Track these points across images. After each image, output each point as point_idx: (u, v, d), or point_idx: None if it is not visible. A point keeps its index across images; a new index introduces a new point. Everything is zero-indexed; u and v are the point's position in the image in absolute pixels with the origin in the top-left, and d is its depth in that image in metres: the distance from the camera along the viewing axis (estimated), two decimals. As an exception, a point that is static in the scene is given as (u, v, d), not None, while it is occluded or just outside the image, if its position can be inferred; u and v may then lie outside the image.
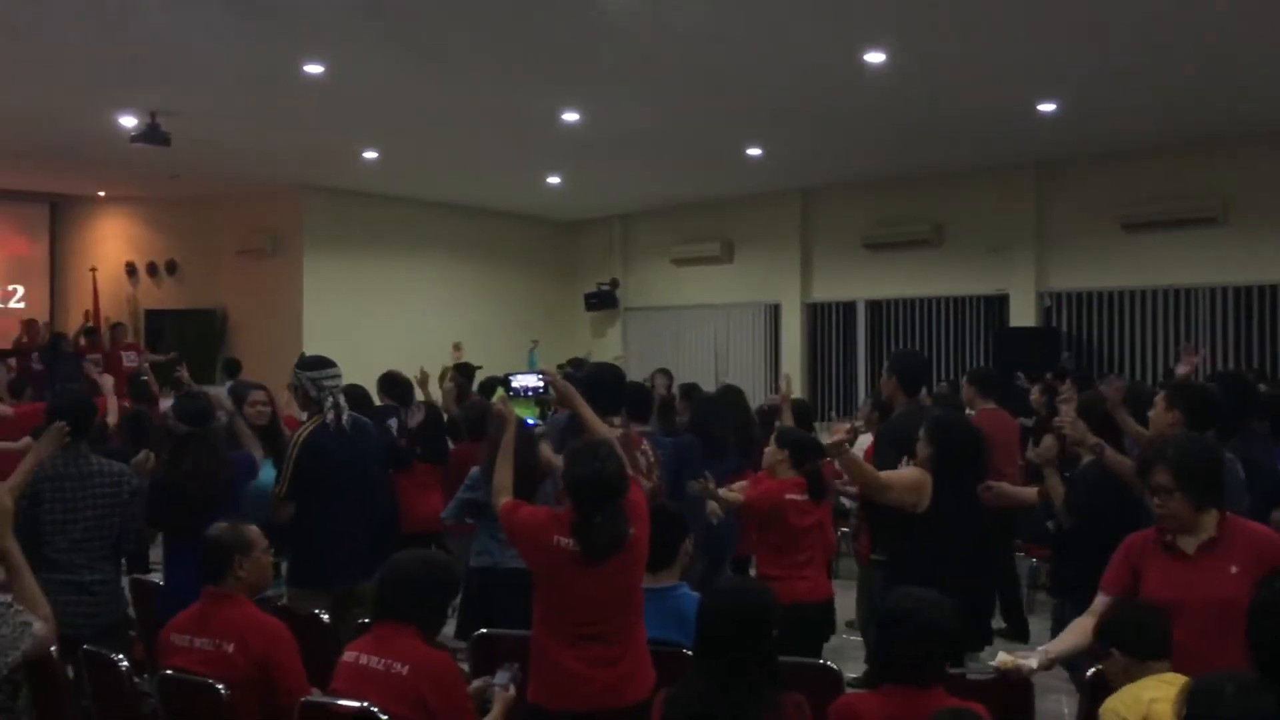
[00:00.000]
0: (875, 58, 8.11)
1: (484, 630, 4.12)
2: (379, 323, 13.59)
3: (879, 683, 3.00)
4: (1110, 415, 4.93)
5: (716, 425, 6.49)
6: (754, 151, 11.58)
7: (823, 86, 8.98)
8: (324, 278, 13.80)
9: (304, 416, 5.63)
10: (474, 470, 5.53)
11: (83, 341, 12.90)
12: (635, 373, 12.48)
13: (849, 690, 3.59)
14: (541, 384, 4.21)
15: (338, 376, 5.13)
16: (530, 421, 4.93)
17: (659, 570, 3.91)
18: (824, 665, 3.83)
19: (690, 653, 3.56)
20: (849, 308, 14.06)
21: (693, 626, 3.52)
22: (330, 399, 5.01)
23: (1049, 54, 8.09)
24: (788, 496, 5.15)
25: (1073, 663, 4.32)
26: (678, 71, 8.55)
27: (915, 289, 13.29)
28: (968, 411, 7.04)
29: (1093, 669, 3.65)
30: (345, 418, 5.03)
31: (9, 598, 2.27)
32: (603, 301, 16.08)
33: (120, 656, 3.76)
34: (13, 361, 11.66)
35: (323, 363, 5.15)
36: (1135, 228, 11.44)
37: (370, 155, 11.75)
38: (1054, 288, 12.26)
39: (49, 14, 7.21)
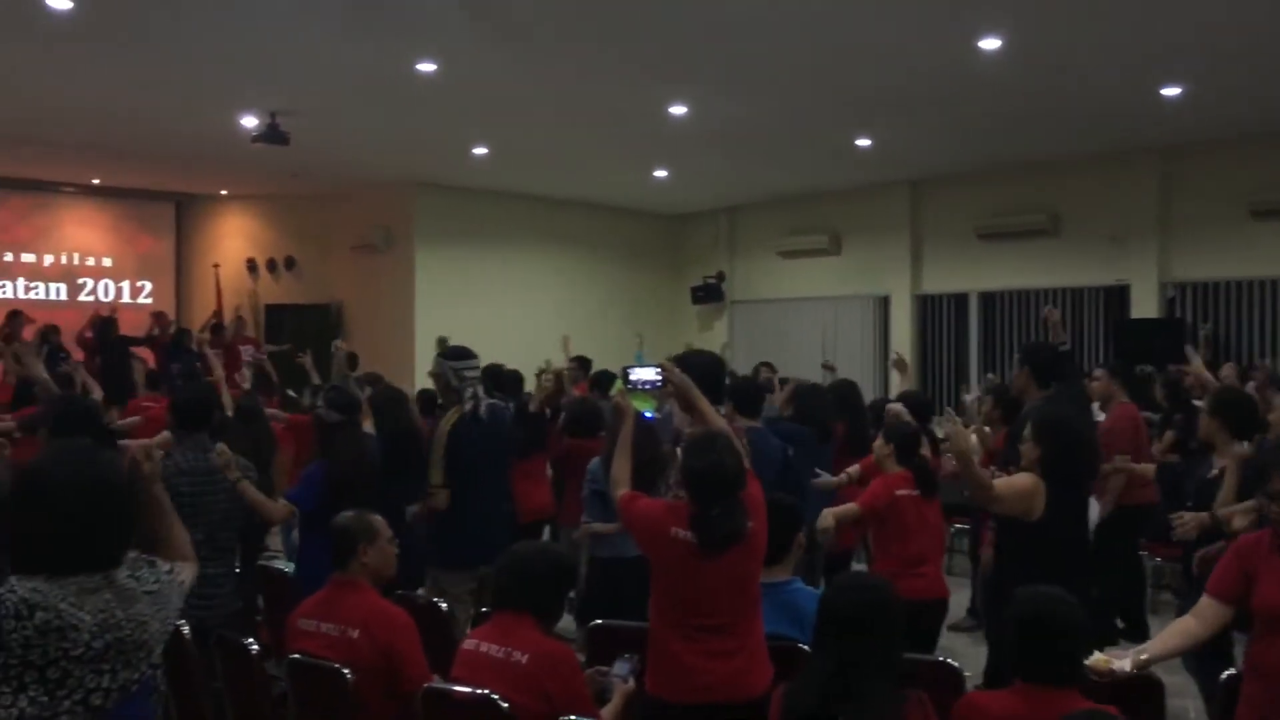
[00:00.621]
0: (991, 44, 7.92)
1: (600, 621, 4.15)
2: (488, 316, 13.78)
3: (1011, 681, 2.93)
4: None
5: (821, 415, 6.43)
6: (863, 142, 11.42)
7: (935, 74, 8.80)
8: (435, 272, 14.05)
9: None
10: (593, 462, 5.56)
11: (207, 336, 13.37)
12: (742, 366, 12.47)
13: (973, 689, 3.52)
14: (659, 378, 4.20)
15: (477, 368, 5.38)
16: (648, 415, 4.97)
17: (772, 564, 3.88)
18: (944, 662, 3.76)
19: (806, 648, 3.54)
20: (961, 300, 13.79)
21: (807, 622, 3.49)
22: (470, 389, 5.19)
23: (1174, 36, 7.79)
24: (899, 492, 5.13)
25: (1206, 668, 4.16)
26: (786, 62, 8.47)
27: (1030, 280, 12.94)
28: (1097, 407, 6.86)
29: (1228, 673, 3.51)
30: (483, 407, 5.19)
31: (168, 566, 2.41)
32: (709, 294, 16.04)
33: (250, 641, 3.89)
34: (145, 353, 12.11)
35: (465, 354, 5.37)
36: (1265, 214, 10.97)
37: (480, 151, 11.91)
38: (1178, 278, 11.84)
39: (176, 19, 7.46)
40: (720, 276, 16.03)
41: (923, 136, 11.25)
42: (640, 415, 4.31)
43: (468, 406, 5.21)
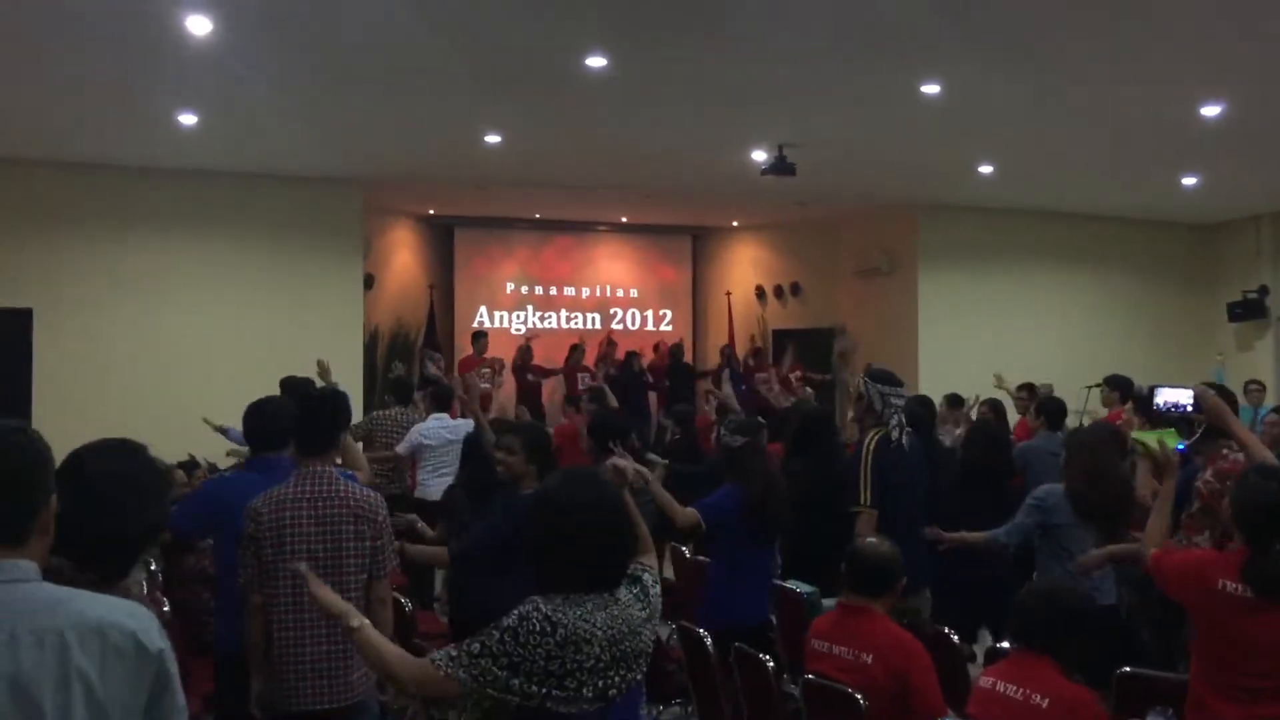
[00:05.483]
0: None
1: (1128, 669, 3.84)
2: (990, 338, 13.32)
3: None
4: None
5: None
6: None
7: None
8: (938, 294, 13.83)
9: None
10: (1045, 488, 5.16)
11: (751, 362, 14.42)
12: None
13: None
14: (1190, 403, 3.81)
15: (904, 397, 5.35)
16: (1180, 446, 4.40)
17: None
18: None
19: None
20: None
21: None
22: (896, 417, 5.14)
23: None
24: None
25: None
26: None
27: None
28: None
29: None
30: (906, 437, 5.12)
31: (652, 575, 2.70)
32: (1249, 311, 14.34)
33: (766, 657, 4.05)
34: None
35: (894, 379, 5.34)
36: None
37: (985, 169, 11.59)
38: None
39: (697, 63, 8.00)
40: (1263, 291, 14.27)
41: None
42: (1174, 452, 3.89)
43: (894, 434, 5.12)
